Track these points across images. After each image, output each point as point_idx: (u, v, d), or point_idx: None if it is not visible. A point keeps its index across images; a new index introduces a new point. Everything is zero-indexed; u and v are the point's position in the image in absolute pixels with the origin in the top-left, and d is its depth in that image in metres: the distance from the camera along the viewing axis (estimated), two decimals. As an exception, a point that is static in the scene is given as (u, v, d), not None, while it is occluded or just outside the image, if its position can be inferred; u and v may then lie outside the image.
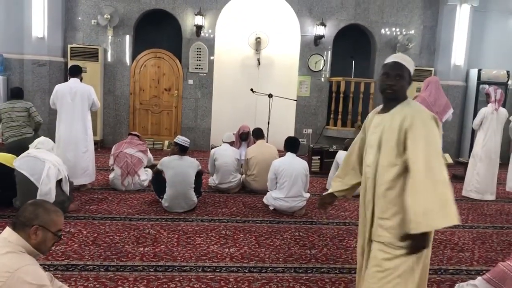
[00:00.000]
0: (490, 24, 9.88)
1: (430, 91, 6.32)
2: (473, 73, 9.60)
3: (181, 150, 5.15)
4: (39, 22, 8.51)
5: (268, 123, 8.01)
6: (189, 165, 5.10)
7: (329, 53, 9.67)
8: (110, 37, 9.07)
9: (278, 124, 8.85)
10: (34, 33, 8.51)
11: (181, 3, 9.17)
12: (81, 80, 5.87)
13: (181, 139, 5.19)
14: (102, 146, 9.01)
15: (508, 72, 9.51)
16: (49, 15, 8.54)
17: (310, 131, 9.68)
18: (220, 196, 5.91)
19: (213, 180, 6.15)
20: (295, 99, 9.24)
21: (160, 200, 5.12)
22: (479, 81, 9.48)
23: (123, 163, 5.79)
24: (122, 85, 9.22)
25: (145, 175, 5.95)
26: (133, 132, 6.34)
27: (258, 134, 6.44)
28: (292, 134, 9.67)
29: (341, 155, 6.41)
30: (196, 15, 9.07)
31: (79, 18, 9.00)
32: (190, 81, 9.36)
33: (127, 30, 9.11)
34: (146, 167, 6.13)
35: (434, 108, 6.23)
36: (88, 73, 8.68)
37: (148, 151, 6.18)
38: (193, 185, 5.08)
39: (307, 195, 5.32)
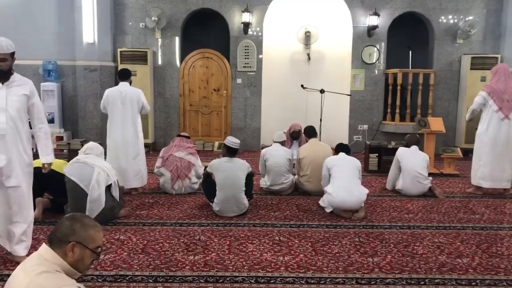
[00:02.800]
0: None
1: (499, 77, 5.82)
2: (546, 57, 8.75)
3: (230, 152, 4.93)
4: (89, 28, 8.63)
5: (321, 120, 7.68)
6: (239, 167, 4.88)
7: (384, 44, 9.15)
8: (158, 39, 9.05)
9: (331, 121, 8.48)
10: (85, 39, 8.64)
11: (228, 1, 9.00)
12: (130, 84, 5.80)
13: (230, 141, 4.97)
14: (154, 149, 9.01)
15: None
16: (98, 21, 8.65)
17: (365, 127, 9.22)
18: (272, 198, 5.65)
19: (264, 182, 5.90)
20: (349, 93, 8.82)
21: (211, 203, 4.93)
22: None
23: (173, 166, 5.66)
24: (172, 87, 9.18)
25: (196, 178, 5.79)
26: (182, 134, 6.22)
27: (311, 132, 6.12)
28: (346, 130, 9.27)
29: (402, 152, 5.97)
30: (243, 12, 8.86)
31: (128, 23, 9.05)
32: (239, 80, 9.17)
33: (175, 31, 9.06)
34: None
35: (505, 96, 5.71)
36: (138, 76, 8.69)
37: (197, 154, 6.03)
38: (244, 188, 4.85)
39: (364, 191, 4.95)
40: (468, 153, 7.76)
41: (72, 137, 8.79)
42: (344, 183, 4.87)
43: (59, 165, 4.83)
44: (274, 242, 4.10)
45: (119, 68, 8.13)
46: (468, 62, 8.86)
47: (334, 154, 5.41)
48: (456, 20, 9.05)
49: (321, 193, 5.28)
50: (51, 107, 8.69)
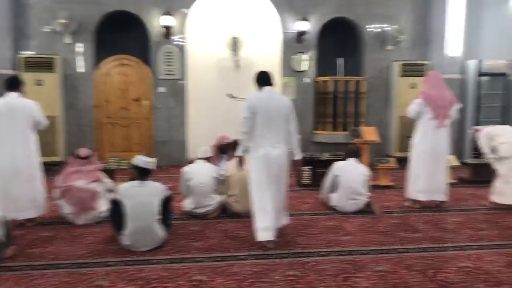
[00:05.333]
0: (486, 11, 9.08)
1: (432, 85, 5.58)
2: (471, 64, 8.79)
3: (142, 174, 4.18)
4: (-16, 31, 7.49)
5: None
6: (153, 191, 4.14)
7: (314, 50, 8.79)
8: (67, 44, 8.05)
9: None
10: (-21, 43, 7.49)
11: (146, 3, 8.22)
12: (23, 95, 4.87)
13: (140, 160, 4.22)
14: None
15: (509, 62, 8.71)
16: (-4, 23, 7.54)
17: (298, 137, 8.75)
18: (196, 223, 4.94)
19: (187, 204, 5.19)
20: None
21: (120, 237, 4.14)
22: (480, 73, 8.67)
23: (75, 199, 4.79)
24: (85, 97, 8.22)
25: (104, 206, 4.94)
26: (80, 153, 5.12)
27: (237, 146, 5.49)
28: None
29: (340, 166, 5.50)
30: (163, 15, 8.12)
31: (32, 25, 7.98)
32: (162, 89, 8.40)
33: (87, 36, 8.13)
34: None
35: (440, 103, 5.46)
36: (44, 86, 7.70)
37: (103, 177, 5.16)
38: (159, 216, 4.11)
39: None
40: (401, 162, 7.51)
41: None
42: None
43: None
44: (193, 283, 3.40)
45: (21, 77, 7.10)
46: (398, 69, 8.71)
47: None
48: (385, 27, 8.89)
49: (251, 215, 4.64)
50: None
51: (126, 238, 4.05)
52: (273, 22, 8.75)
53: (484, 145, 5.79)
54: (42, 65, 7.73)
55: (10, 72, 7.70)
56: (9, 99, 4.69)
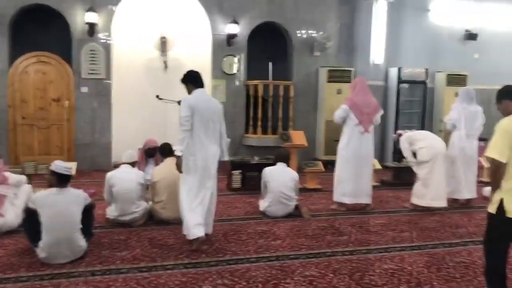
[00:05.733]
0: (406, 20, 9.59)
1: (358, 91, 5.76)
2: (393, 72, 9.23)
3: (61, 181, 3.88)
4: None
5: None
6: (73, 200, 3.86)
7: (244, 54, 8.79)
8: (-22, 38, 7.41)
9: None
10: None
11: (69, -3, 7.77)
12: None
13: (59, 166, 3.91)
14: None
15: (426, 70, 9.26)
16: None
17: (228, 140, 8.68)
18: (120, 232, 4.69)
19: (111, 212, 4.93)
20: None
21: (35, 249, 3.82)
22: (400, 80, 9.12)
23: None
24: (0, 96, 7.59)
25: (14, 212, 4.54)
26: None
27: (166, 151, 5.32)
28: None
29: (268, 171, 5.49)
30: (87, 11, 7.71)
31: None
32: (84, 89, 7.96)
33: (1, 30, 7.51)
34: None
35: (365, 109, 5.65)
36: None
37: (11, 176, 4.76)
38: (80, 226, 3.85)
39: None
40: (328, 165, 7.70)
41: None
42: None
43: None
44: (117, 297, 3.22)
45: None
46: (325, 74, 8.94)
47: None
48: (313, 33, 9.09)
49: (179, 221, 4.49)
50: None
51: (42, 250, 3.74)
52: (203, 24, 8.62)
53: (405, 149, 6.06)
54: None
55: None
56: None
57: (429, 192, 5.80)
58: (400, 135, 6.25)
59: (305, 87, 9.13)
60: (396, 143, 6.65)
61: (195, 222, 4.13)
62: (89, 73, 7.95)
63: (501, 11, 10.09)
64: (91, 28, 7.82)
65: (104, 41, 8.02)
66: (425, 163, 5.82)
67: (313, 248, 4.37)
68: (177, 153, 4.23)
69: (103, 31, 7.99)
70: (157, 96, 7.02)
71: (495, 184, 2.89)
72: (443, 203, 5.84)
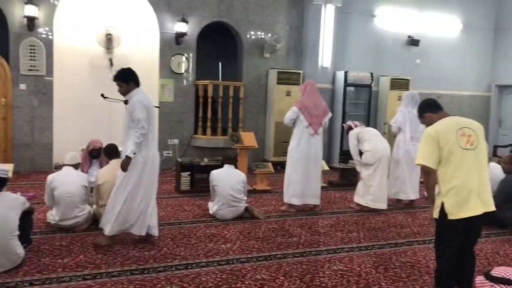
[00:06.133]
0: (353, 25, 9.83)
1: (308, 93, 5.83)
2: (340, 75, 9.43)
3: (-4, 185, 3.63)
4: None
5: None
6: (9, 204, 3.60)
7: (193, 53, 8.65)
8: None
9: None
10: None
11: (6, -11, 7.32)
12: None
13: (-5, 169, 3.66)
14: None
15: (371, 74, 9.52)
16: None
17: (176, 141, 8.54)
18: (62, 237, 4.45)
19: (52, 216, 4.67)
20: (157, 105, 7.99)
21: (-34, 258, 3.54)
22: (346, 84, 9.33)
23: None
24: None
25: None
26: None
27: (111, 152, 5.10)
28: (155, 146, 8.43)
29: (215, 174, 5.41)
30: (26, 4, 7.30)
31: None
32: (23, 86, 7.53)
33: None
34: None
35: (314, 111, 5.72)
36: None
37: None
38: (17, 232, 3.60)
39: None
40: (277, 166, 7.74)
41: None
42: None
43: None
44: (58, 308, 3.03)
45: None
46: (274, 76, 8.97)
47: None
48: (263, 34, 9.10)
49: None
50: None
51: (-25, 260, 3.47)
52: (151, 21, 8.40)
53: (353, 146, 6.12)
54: None
55: None
56: None
57: (371, 193, 5.94)
58: (350, 127, 6.24)
59: (255, 88, 9.13)
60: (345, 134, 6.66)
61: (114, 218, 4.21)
62: (28, 70, 7.52)
63: (441, 19, 10.58)
64: (31, 22, 7.40)
65: (45, 36, 7.62)
66: (368, 166, 5.95)
67: (264, 250, 4.34)
68: (130, 154, 4.08)
69: (43, 25, 7.59)
70: (102, 95, 6.74)
71: (430, 189, 3.03)
72: (383, 206, 6.00)
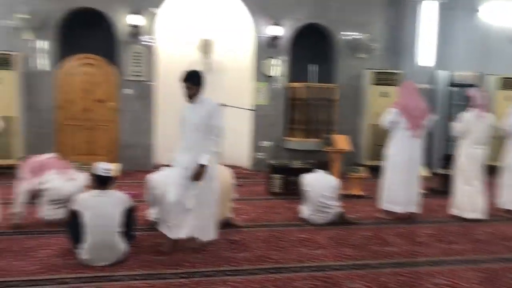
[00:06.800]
0: (457, 22, 9.17)
1: (407, 95, 5.55)
2: (442, 75, 8.84)
3: (102, 183, 3.88)
4: None
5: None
6: (114, 202, 3.85)
7: (287, 56, 8.65)
8: (28, 41, 7.60)
9: (232, 138, 7.70)
10: None
11: (113, 0, 7.86)
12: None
13: (100, 168, 3.92)
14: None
15: (479, 73, 8.80)
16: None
17: (269, 144, 8.58)
18: (163, 235, 4.64)
19: (153, 214, 4.91)
20: (253, 108, 8.12)
21: (78, 250, 3.82)
22: (451, 84, 8.72)
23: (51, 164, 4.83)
24: (46, 98, 7.78)
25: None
26: None
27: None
28: (248, 148, 8.58)
29: (307, 178, 5.32)
30: (132, 14, 7.80)
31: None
32: (128, 91, 8.05)
33: (49, 32, 7.70)
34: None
35: (415, 113, 5.42)
36: (2, 84, 7.26)
37: None
38: (121, 229, 3.83)
39: None
40: (372, 171, 7.44)
41: None
42: None
43: None
44: (157, 304, 3.16)
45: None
46: (369, 77, 8.66)
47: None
48: (358, 34, 8.84)
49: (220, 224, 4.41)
50: None
51: (84, 252, 3.74)
52: (246, 26, 8.55)
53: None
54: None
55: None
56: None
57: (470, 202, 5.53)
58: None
59: (349, 90, 8.89)
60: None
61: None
62: (132, 75, 8.03)
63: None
64: (135, 30, 7.90)
65: (148, 43, 8.09)
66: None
67: (358, 258, 4.18)
68: (206, 162, 4.01)
69: (146, 33, 8.06)
70: (222, 104, 6.91)
71: None
72: (475, 215, 5.55)
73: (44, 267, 3.72)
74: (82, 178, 4.92)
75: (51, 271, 3.64)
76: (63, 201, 4.64)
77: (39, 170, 4.78)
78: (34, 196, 4.73)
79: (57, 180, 4.75)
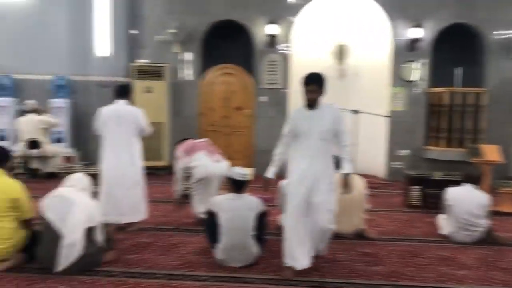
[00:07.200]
0: None
1: None
2: None
3: (237, 187, 4.03)
4: (104, 41, 8.07)
5: (355, 144, 6.69)
6: (249, 206, 3.96)
7: (428, 59, 8.10)
8: (176, 53, 8.33)
9: (366, 146, 7.47)
10: (98, 52, 8.09)
11: (253, 12, 8.22)
12: (130, 102, 5.03)
13: (235, 172, 4.07)
14: (170, 173, 8.21)
15: None
16: (114, 33, 8.09)
17: (406, 152, 8.12)
18: (292, 241, 4.68)
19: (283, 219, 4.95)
20: (388, 114, 7.77)
21: (213, 249, 4.02)
22: None
23: (202, 146, 5.32)
24: (190, 105, 8.43)
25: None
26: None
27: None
28: (383, 156, 8.22)
29: (453, 193, 4.86)
30: (269, 24, 8.05)
31: (145, 35, 8.40)
32: (263, 98, 8.32)
33: (195, 45, 8.34)
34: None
35: None
36: (153, 93, 8.05)
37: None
38: (254, 232, 3.93)
39: None
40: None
41: (83, 159, 8.13)
42: None
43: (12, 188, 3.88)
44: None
45: (132, 84, 7.55)
46: (527, 80, 7.69)
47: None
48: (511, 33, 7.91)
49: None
50: (60, 125, 8.08)
51: (220, 252, 3.92)
52: (384, 29, 8.23)
53: None
54: (152, 73, 8.08)
55: (124, 79, 8.18)
56: (117, 106, 4.86)
57: None
58: None
59: (501, 95, 7.99)
60: None
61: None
62: (267, 83, 8.28)
63: None
64: (272, 39, 8.13)
65: (283, 51, 8.26)
66: None
67: (510, 285, 3.69)
68: (350, 170, 3.80)
69: (282, 42, 8.24)
70: (355, 111, 6.83)
71: None
72: None
73: (184, 263, 3.98)
74: (225, 163, 5.25)
75: (190, 268, 3.89)
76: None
77: (191, 150, 5.25)
78: (186, 176, 5.17)
79: (205, 159, 5.12)
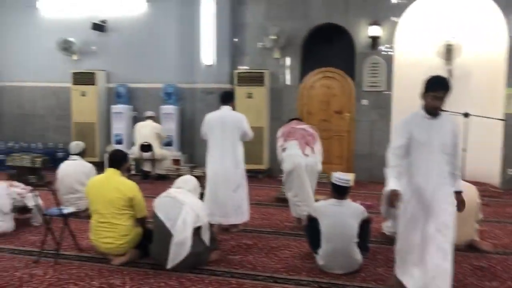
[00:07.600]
0: None
1: None
2: None
3: (339, 192, 3.98)
4: (208, 50, 8.47)
5: (464, 150, 6.26)
6: (351, 212, 3.90)
7: (551, 56, 7.33)
8: (277, 59, 8.47)
9: (478, 151, 6.95)
10: (204, 61, 8.50)
11: (353, 14, 8.07)
12: (233, 108, 5.24)
13: (338, 178, 4.02)
14: (269, 176, 8.38)
15: None
16: (217, 42, 8.44)
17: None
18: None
19: (387, 227, 4.79)
20: (503, 118, 7.16)
21: (315, 255, 4.01)
22: None
23: (298, 135, 5.29)
24: (290, 110, 8.49)
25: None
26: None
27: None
28: (498, 162, 7.58)
29: None
30: (370, 25, 7.85)
31: (247, 43, 8.66)
32: (364, 101, 8.12)
33: (294, 50, 8.41)
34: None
35: None
36: (254, 99, 8.26)
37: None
38: (357, 239, 3.85)
39: None
40: None
41: (189, 161, 8.59)
42: None
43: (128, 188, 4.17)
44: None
45: (235, 90, 7.87)
46: None
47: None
48: None
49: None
50: (169, 130, 8.64)
51: (320, 258, 3.91)
52: (497, 26, 7.59)
53: None
54: (253, 79, 8.30)
55: (227, 86, 8.51)
56: (222, 112, 5.08)
57: None
58: None
59: None
60: None
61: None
62: (369, 86, 8.07)
63: None
64: (374, 41, 7.92)
65: (386, 53, 8.00)
66: None
67: None
68: (461, 189, 3.44)
69: (385, 43, 7.98)
70: (465, 114, 6.48)
71: None
72: None
73: (285, 267, 4.03)
74: (315, 159, 5.29)
75: (291, 271, 3.92)
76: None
77: (287, 135, 5.37)
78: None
79: (295, 150, 5.20)
